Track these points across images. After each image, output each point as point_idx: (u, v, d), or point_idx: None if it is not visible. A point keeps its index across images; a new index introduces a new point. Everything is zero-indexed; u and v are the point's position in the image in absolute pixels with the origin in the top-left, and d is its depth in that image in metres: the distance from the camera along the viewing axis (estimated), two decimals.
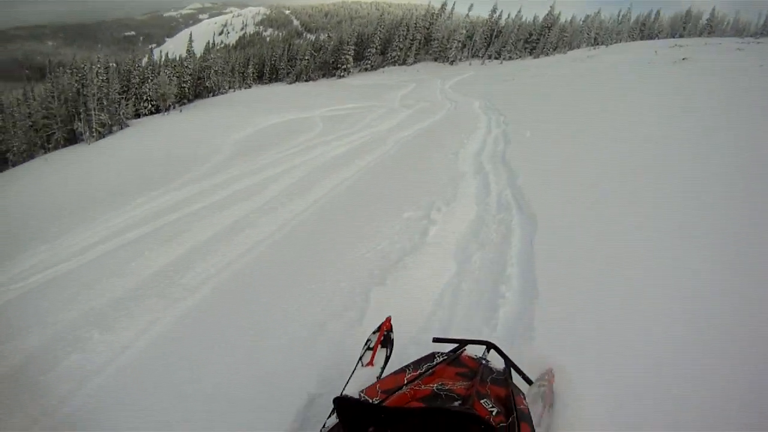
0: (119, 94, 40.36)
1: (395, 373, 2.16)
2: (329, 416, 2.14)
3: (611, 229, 5.63)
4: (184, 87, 48.30)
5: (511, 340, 3.75)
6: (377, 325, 3.24)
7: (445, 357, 2.27)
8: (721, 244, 4.82)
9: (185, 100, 47.85)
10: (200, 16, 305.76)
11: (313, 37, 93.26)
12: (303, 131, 19.26)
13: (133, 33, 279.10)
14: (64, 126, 38.07)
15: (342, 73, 62.01)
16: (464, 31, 68.39)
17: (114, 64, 45.24)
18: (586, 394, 2.78)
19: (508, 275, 4.87)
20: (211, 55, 55.36)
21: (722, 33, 68.78)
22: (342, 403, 1.52)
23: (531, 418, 1.95)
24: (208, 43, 78.78)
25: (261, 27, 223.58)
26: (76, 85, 39.12)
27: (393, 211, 7.36)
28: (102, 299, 5.56)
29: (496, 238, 5.99)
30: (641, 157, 8.52)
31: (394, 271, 5.23)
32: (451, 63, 65.19)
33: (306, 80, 62.72)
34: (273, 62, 67.52)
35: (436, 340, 2.80)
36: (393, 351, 3.13)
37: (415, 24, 67.95)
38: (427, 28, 69.11)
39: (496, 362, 2.42)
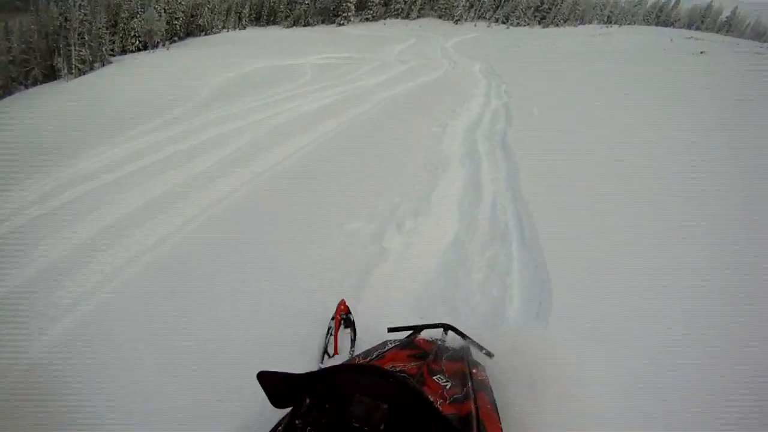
0: (107, 29, 37.83)
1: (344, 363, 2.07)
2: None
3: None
4: (176, 24, 45.21)
5: None
6: (332, 312, 3.14)
7: (398, 342, 2.21)
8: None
9: (176, 38, 44.92)
10: None
11: None
12: (288, 79, 18.30)
13: None
14: (44, 61, 35.64)
15: (342, 21, 58.83)
16: None
17: None
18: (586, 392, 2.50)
19: None
20: None
21: (741, 34, 67.33)
22: (265, 378, 1.43)
23: (490, 387, 2.03)
24: None
25: None
26: (59, 18, 35.80)
27: (330, 225, 5.04)
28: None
29: (480, 304, 3.77)
30: (691, 172, 6.68)
31: None
32: (456, 22, 62.69)
33: (304, 25, 59.40)
34: (271, 4, 63.89)
35: (390, 330, 2.59)
36: (357, 331, 3.12)
37: None
38: None
39: (456, 343, 2.40)
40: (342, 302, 3.16)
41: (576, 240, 4.58)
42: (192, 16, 48.28)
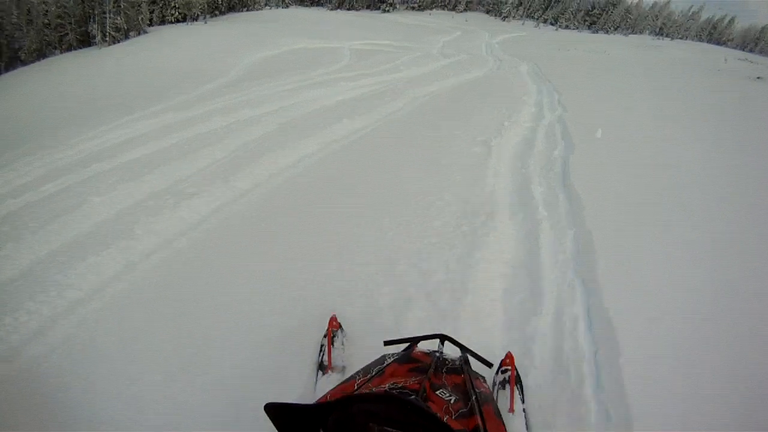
0: None
1: (345, 381, 1.99)
2: None
3: None
4: None
5: None
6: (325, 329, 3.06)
7: (396, 357, 2.06)
8: None
9: (217, 12, 43.98)
10: None
11: None
12: (324, 62, 17.49)
13: None
14: (78, 27, 34.93)
15: (387, 8, 56.99)
16: None
17: None
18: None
19: None
20: None
21: None
22: (274, 410, 1.40)
23: (494, 398, 2.07)
24: None
25: None
26: None
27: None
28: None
29: None
30: None
31: None
32: (504, 19, 60.56)
33: (348, 8, 57.86)
34: None
35: (387, 343, 2.36)
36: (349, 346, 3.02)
37: None
38: None
39: (453, 353, 2.23)
40: (333, 317, 3.10)
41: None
42: None
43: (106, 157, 6.61)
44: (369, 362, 2.12)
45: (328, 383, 2.55)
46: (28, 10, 35.66)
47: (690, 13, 73.66)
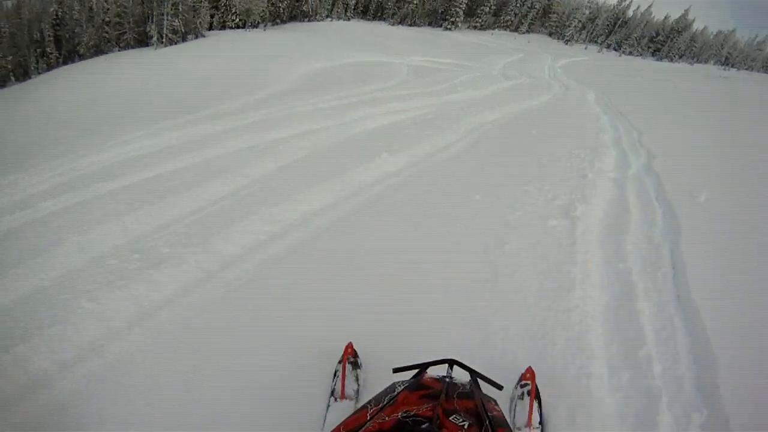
0: (209, 2, 37.43)
1: (357, 411, 1.90)
2: None
3: None
4: (279, 6, 43.83)
5: None
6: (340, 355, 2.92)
7: (407, 384, 1.98)
8: None
9: (278, 21, 43.83)
10: None
11: None
12: (379, 78, 16.43)
13: None
14: (136, 27, 35.43)
15: (449, 26, 55.48)
16: (587, 12, 60.88)
17: None
18: None
19: None
20: None
21: None
22: None
23: (506, 421, 1.94)
24: None
25: None
26: None
27: None
28: None
29: None
30: None
31: None
32: (566, 42, 58.38)
33: (410, 25, 56.67)
34: (380, 0, 61.92)
35: (396, 370, 2.23)
36: (365, 374, 2.90)
37: None
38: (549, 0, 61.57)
39: (463, 377, 2.13)
40: (349, 345, 2.91)
41: None
42: (297, 0, 46.73)
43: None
44: (379, 391, 2.05)
45: (340, 410, 2.50)
46: (90, 7, 36.32)
47: (755, 43, 69.76)
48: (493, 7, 58.96)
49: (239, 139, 7.92)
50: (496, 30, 58.91)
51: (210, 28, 37.40)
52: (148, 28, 33.62)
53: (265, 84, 14.68)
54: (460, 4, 55.35)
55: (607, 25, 63.26)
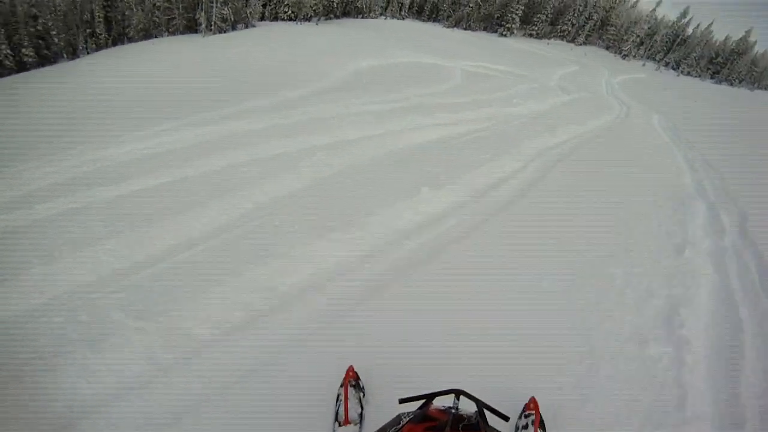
0: None
1: None
2: None
3: None
4: (333, 1, 42.65)
5: None
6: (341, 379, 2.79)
7: (412, 416, 1.87)
8: None
9: (331, 15, 42.75)
10: None
11: None
12: (431, 81, 15.16)
13: None
14: (186, 13, 34.79)
15: (504, 32, 53.44)
16: (646, 27, 57.82)
17: None
18: None
19: None
20: None
21: None
22: None
23: None
24: None
25: None
26: None
27: None
28: None
29: None
30: None
31: None
32: (623, 57, 55.72)
33: (465, 28, 54.83)
34: (435, 1, 60.14)
35: (402, 401, 2.08)
36: (367, 398, 2.76)
37: (595, 2, 57.52)
38: (607, 11, 58.66)
39: (469, 408, 1.94)
40: (350, 368, 2.77)
41: None
42: None
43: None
44: (384, 423, 1.93)
45: None
46: None
47: None
48: (549, 15, 56.56)
49: (261, 145, 6.90)
50: (553, 39, 56.50)
51: (262, 18, 36.69)
52: (197, 15, 33.08)
53: (312, 80, 13.71)
54: (516, 10, 53.23)
55: (666, 42, 60.09)
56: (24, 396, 2.48)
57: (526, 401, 2.69)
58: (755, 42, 62.00)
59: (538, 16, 55.77)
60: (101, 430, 2.33)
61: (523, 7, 53.35)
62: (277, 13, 39.17)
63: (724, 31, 63.68)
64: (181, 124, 8.36)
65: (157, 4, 34.40)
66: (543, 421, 2.60)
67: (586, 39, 57.92)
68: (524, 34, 55.64)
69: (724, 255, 5.09)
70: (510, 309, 3.64)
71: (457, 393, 2.03)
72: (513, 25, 53.38)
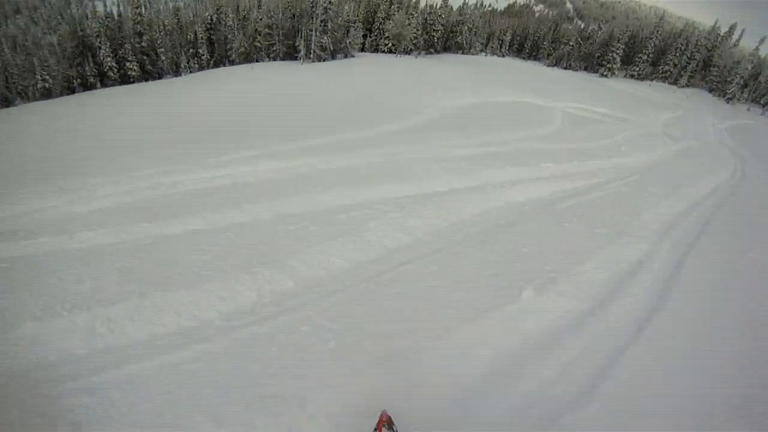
0: (363, 25, 37.23)
1: None
2: None
3: None
4: (434, 35, 42.62)
5: None
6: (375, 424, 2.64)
7: None
8: None
9: (431, 50, 42.77)
10: None
11: (582, 24, 79.62)
12: (531, 123, 14.43)
13: None
14: (286, 39, 35.82)
15: (605, 72, 51.18)
16: (749, 66, 52.91)
17: None
18: None
19: None
20: (468, 11, 48.17)
21: None
22: None
23: None
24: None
25: (533, 0, 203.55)
26: (307, 0, 35.54)
27: None
28: None
29: None
30: None
31: None
32: (728, 101, 51.49)
33: (565, 67, 53.27)
34: (536, 39, 58.63)
35: None
36: None
37: (696, 41, 53.72)
38: (709, 50, 54.59)
39: None
40: (383, 415, 2.68)
41: None
42: (451, 32, 45.28)
43: None
44: None
45: None
46: (244, 16, 37.81)
47: None
48: (651, 56, 53.56)
49: (323, 193, 6.46)
50: (654, 81, 53.37)
51: (362, 49, 37.03)
52: (296, 42, 33.98)
53: (402, 115, 13.31)
54: (617, 49, 50.89)
55: None
56: None
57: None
58: None
59: (639, 56, 53.00)
60: None
61: (623, 47, 50.92)
62: (377, 44, 39.51)
63: None
64: (260, 154, 8.41)
65: (258, 29, 35.77)
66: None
67: (689, 81, 54.29)
68: (625, 75, 53.11)
69: None
70: None
71: None
72: (614, 65, 51.12)
